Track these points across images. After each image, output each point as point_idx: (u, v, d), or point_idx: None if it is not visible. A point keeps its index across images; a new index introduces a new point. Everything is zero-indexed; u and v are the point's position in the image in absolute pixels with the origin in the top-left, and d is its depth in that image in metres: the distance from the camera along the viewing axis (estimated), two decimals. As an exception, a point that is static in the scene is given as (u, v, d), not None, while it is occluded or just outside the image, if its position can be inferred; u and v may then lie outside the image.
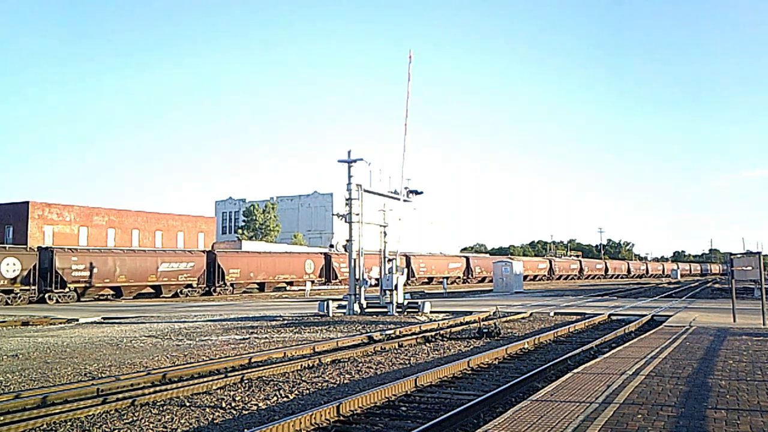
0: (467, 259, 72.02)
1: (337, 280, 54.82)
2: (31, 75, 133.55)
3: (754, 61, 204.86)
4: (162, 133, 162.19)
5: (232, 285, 46.27)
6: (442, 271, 66.08)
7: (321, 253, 56.60)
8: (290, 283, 51.70)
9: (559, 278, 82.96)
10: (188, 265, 43.56)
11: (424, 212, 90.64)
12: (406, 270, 61.13)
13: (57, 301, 36.49)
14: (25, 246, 40.30)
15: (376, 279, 33.56)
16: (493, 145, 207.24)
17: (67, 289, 36.98)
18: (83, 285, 37.83)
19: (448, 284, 53.77)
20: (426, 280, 62.99)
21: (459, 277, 68.65)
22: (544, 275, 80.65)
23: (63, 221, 56.38)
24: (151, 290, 42.75)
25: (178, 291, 43.64)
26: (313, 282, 51.95)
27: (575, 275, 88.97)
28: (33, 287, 35.82)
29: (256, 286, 49.33)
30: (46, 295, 36.24)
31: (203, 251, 47.11)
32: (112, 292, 40.82)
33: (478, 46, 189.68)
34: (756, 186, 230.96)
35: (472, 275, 70.55)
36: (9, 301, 34.95)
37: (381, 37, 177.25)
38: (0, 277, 34.33)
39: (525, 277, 73.35)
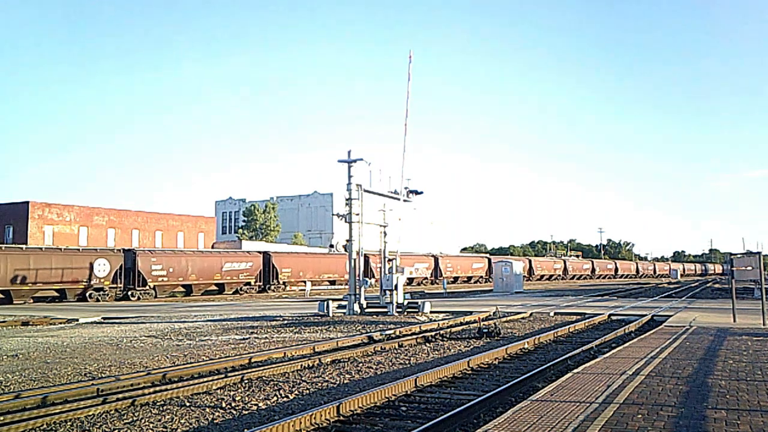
0: (489, 260, 75.90)
1: (374, 280, 57.01)
2: (31, 75, 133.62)
3: (754, 61, 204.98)
4: (162, 133, 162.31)
5: (284, 283, 50.26)
6: (467, 271, 70.31)
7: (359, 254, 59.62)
8: (332, 282, 55.16)
9: (572, 278, 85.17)
10: (247, 264, 47.47)
11: (424, 212, 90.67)
12: (433, 269, 65.86)
13: (138, 298, 40.06)
14: (113, 248, 43.56)
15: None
16: (493, 145, 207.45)
17: (147, 287, 40.79)
18: (161, 283, 41.82)
19: (472, 283, 54.93)
20: (452, 280, 66.50)
21: (482, 277, 72.47)
22: (559, 275, 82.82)
23: (63, 221, 56.39)
24: (215, 288, 46.29)
25: (239, 288, 47.21)
26: None
27: (588, 275, 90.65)
28: (119, 285, 39.59)
29: (304, 284, 52.58)
30: (129, 293, 40.03)
31: (260, 252, 50.31)
32: (183, 290, 44.39)
33: (478, 46, 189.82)
34: (756, 186, 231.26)
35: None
36: (99, 298, 38.55)
37: (381, 37, 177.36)
38: (93, 276, 38.19)
39: (541, 277, 77.02)
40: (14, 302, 34.93)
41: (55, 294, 38.02)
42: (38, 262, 36.09)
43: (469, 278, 70.23)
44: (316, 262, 54.04)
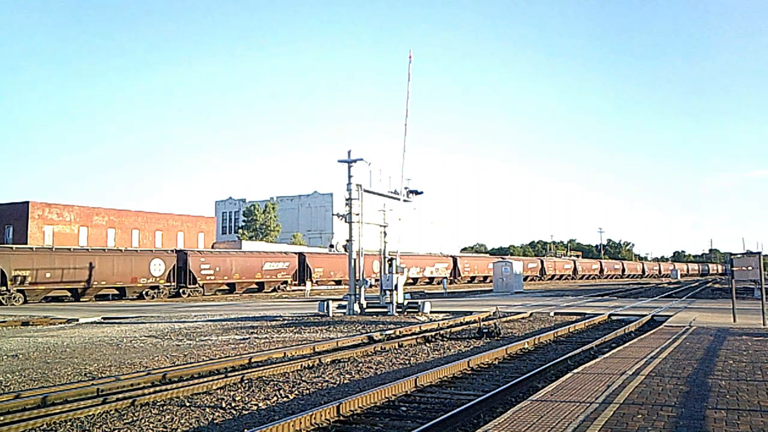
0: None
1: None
2: (31, 75, 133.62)
3: (754, 60, 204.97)
4: (162, 133, 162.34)
5: (317, 282, 53.44)
6: (483, 270, 72.89)
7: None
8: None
9: (551, 278, 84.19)
10: (285, 264, 50.63)
11: (424, 212, 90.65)
12: (452, 269, 68.25)
13: (189, 295, 42.80)
14: (166, 249, 46.25)
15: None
16: (493, 145, 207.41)
17: (197, 285, 43.69)
18: (208, 281, 44.79)
19: (488, 282, 56.33)
20: (469, 279, 70.39)
21: (536, 276, 78.12)
22: (569, 275, 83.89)
23: (63, 221, 56.38)
24: (256, 286, 49.36)
25: (277, 287, 50.27)
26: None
27: (569, 275, 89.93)
28: (173, 283, 42.53)
29: (334, 282, 56.02)
30: (181, 290, 42.87)
31: (295, 253, 53.65)
32: (227, 288, 47.44)
33: (478, 46, 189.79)
34: (756, 186, 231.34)
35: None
36: (155, 295, 41.40)
37: (381, 37, 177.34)
38: (149, 275, 41.03)
39: (552, 277, 79.36)
40: (81, 299, 38.21)
41: (116, 292, 40.97)
42: (102, 262, 38.85)
43: (485, 278, 72.28)
44: (344, 262, 55.09)
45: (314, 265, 52.89)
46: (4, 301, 34.35)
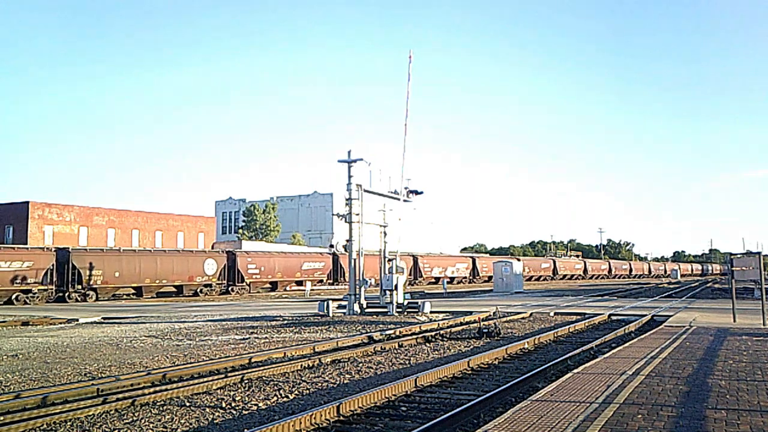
0: (519, 260, 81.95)
1: (422, 278, 64.20)
2: (31, 75, 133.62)
3: (754, 61, 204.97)
4: (162, 133, 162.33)
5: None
6: (537, 270, 77.90)
7: (410, 255, 65.27)
8: (452, 279, 61.52)
9: (563, 278, 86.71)
10: (321, 264, 54.35)
11: (424, 212, 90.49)
12: (471, 269, 70.68)
13: (237, 292, 46.24)
14: (218, 250, 49.06)
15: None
16: (493, 145, 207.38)
17: (244, 283, 47.23)
18: (255, 280, 48.28)
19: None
20: (486, 279, 71.73)
21: (549, 276, 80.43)
22: (548, 276, 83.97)
23: (63, 221, 56.38)
24: (296, 284, 52.36)
25: (313, 285, 52.61)
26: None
27: (580, 275, 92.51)
28: (224, 282, 45.87)
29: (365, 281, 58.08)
30: (230, 288, 46.24)
31: (329, 254, 56.43)
32: (269, 286, 50.92)
33: (478, 46, 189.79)
34: (756, 186, 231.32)
35: (557, 274, 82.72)
36: (207, 293, 44.53)
37: (381, 37, 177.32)
38: (204, 273, 44.43)
39: (530, 278, 79.15)
40: (143, 296, 41.17)
41: (173, 290, 43.81)
42: (163, 262, 42.17)
43: (539, 277, 77.15)
44: (374, 262, 58.51)
45: (346, 265, 54.22)
46: (79, 298, 37.66)
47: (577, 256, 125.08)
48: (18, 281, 35.18)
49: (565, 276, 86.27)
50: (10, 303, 34.85)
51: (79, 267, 37.48)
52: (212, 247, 64.07)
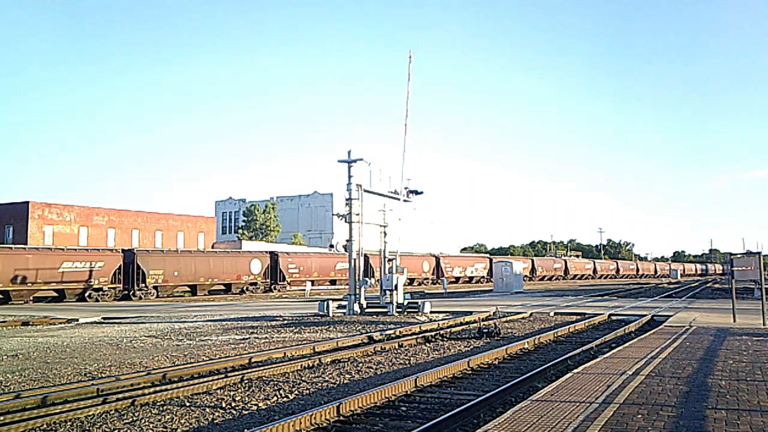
0: (532, 261, 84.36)
1: (444, 277, 65.91)
2: (31, 75, 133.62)
3: (754, 61, 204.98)
4: (162, 133, 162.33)
5: (377, 280, 54.77)
6: (518, 270, 74.87)
7: (432, 255, 69.51)
8: (411, 281, 62.33)
9: (573, 278, 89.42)
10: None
11: (424, 212, 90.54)
12: (489, 269, 71.53)
13: (278, 290, 49.50)
14: (262, 251, 52.04)
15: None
16: (493, 145, 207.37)
17: (285, 282, 50.53)
18: (294, 279, 51.29)
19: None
20: (540, 278, 76.03)
21: (526, 275, 78.52)
22: (560, 275, 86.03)
23: (63, 221, 56.37)
24: (329, 283, 55.65)
25: (346, 284, 54.23)
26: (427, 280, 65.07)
27: (590, 275, 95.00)
28: (267, 281, 49.61)
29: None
30: (272, 286, 49.75)
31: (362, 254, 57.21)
32: (311, 284, 52.40)
33: (478, 46, 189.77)
34: (756, 186, 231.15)
35: (535, 274, 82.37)
36: (253, 291, 47.71)
37: (381, 37, 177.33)
38: (250, 272, 47.99)
39: (542, 278, 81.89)
40: (197, 293, 44.42)
41: (223, 287, 46.93)
42: (214, 262, 45.89)
43: (552, 276, 79.64)
44: (411, 262, 62.27)
45: (376, 265, 58.21)
46: (143, 296, 40.70)
47: (577, 256, 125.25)
48: (91, 280, 38.48)
49: (576, 276, 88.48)
50: (83, 300, 38.30)
51: (144, 267, 40.89)
52: (212, 247, 64.15)
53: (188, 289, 44.81)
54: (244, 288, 47.47)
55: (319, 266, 54.14)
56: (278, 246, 66.71)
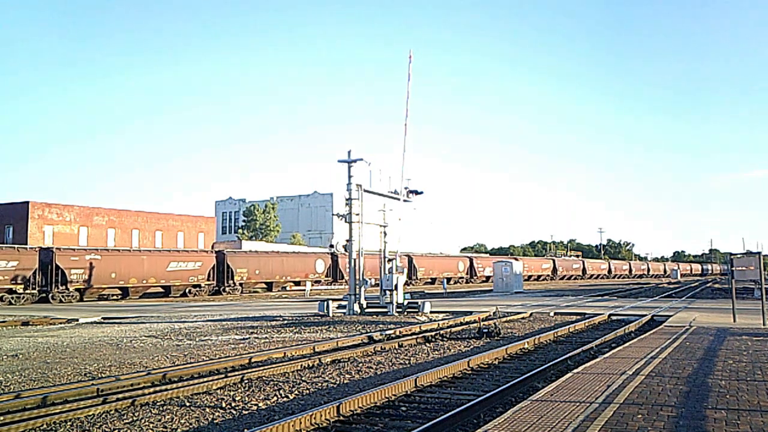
0: (554, 261, 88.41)
1: (476, 277, 71.51)
2: (31, 75, 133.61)
3: (754, 61, 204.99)
4: (162, 133, 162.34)
5: (420, 279, 62.95)
6: (538, 270, 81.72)
7: (466, 256, 74.60)
8: (449, 280, 64.84)
9: (590, 277, 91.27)
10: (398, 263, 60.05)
11: (424, 212, 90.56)
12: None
13: (337, 287, 53.31)
14: (325, 251, 56.40)
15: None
16: (493, 145, 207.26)
17: (343, 280, 53.40)
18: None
19: (540, 281, 62.55)
20: (526, 278, 74.26)
21: (548, 275, 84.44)
22: (548, 275, 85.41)
23: (63, 221, 56.35)
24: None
25: (312, 285, 57.53)
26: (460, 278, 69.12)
27: (605, 275, 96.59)
28: (330, 278, 55.17)
29: (429, 279, 64.62)
30: (332, 284, 55.21)
31: (405, 255, 59.47)
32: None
33: (478, 46, 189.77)
34: (756, 186, 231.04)
35: (557, 274, 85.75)
36: (316, 286, 52.07)
37: (381, 37, 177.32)
38: (315, 271, 53.13)
39: (529, 278, 79.97)
40: (272, 290, 50.04)
41: (293, 285, 52.22)
42: (287, 262, 51.63)
43: (539, 276, 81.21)
44: (438, 262, 67.40)
45: (419, 264, 62.33)
46: (230, 291, 45.85)
47: (577, 256, 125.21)
48: (191, 278, 44.01)
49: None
50: (185, 295, 43.36)
51: (232, 266, 46.11)
52: (212, 247, 64.14)
53: (265, 285, 50.07)
54: (311, 283, 52.71)
55: (370, 266, 54.86)
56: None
